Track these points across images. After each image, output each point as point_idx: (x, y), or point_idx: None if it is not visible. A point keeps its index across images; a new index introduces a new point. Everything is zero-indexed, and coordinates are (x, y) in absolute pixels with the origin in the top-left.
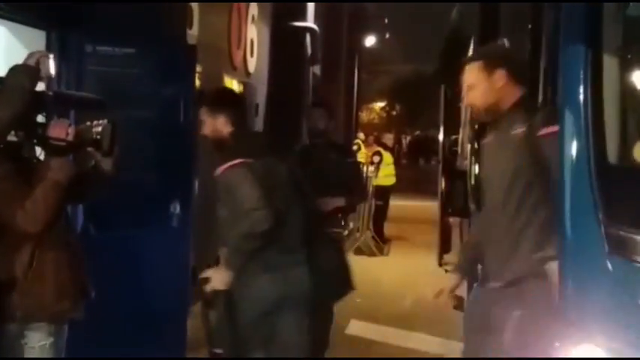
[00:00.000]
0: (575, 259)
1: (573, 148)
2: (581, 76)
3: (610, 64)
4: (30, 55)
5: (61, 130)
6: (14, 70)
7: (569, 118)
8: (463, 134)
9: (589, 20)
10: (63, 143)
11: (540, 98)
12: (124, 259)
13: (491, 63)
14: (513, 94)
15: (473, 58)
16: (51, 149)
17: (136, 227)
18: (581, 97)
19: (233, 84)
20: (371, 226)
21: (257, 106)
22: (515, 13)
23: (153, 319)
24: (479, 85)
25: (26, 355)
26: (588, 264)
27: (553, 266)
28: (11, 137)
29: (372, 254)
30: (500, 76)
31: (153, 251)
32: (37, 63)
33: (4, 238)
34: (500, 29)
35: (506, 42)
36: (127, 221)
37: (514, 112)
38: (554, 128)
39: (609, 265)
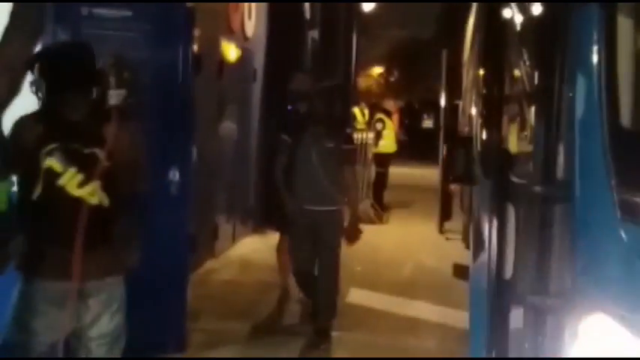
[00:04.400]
0: (587, 227)
1: (585, 112)
2: (595, 38)
3: (624, 25)
4: None
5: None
6: (19, 4)
7: (581, 81)
8: (465, 100)
9: None
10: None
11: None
12: None
13: None
14: None
15: None
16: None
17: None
18: (595, 59)
19: (231, 48)
20: (370, 194)
21: (255, 71)
22: None
23: (152, 287)
24: None
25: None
26: (600, 231)
27: None
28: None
29: (371, 222)
30: None
31: (151, 219)
32: None
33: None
34: None
35: None
36: None
37: None
38: None
39: (622, 233)
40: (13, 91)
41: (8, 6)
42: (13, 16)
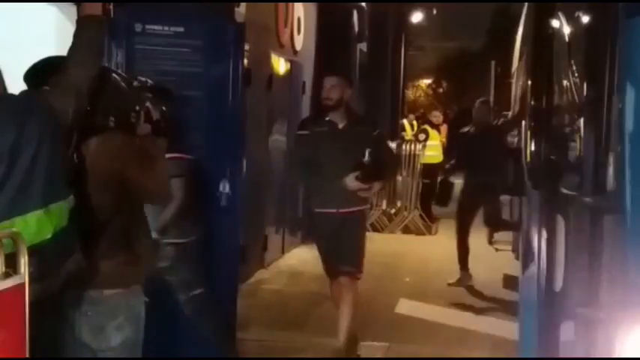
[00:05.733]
0: (638, 238)
1: (635, 122)
2: None
3: None
4: (87, 6)
5: (161, 114)
6: (83, 23)
7: (631, 91)
8: (514, 111)
9: None
10: (163, 124)
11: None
12: None
13: None
14: None
15: None
16: (159, 130)
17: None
18: None
19: (280, 62)
20: (418, 205)
21: (304, 83)
22: None
23: (202, 297)
24: None
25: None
26: None
27: None
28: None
29: (420, 233)
30: None
31: (202, 230)
32: (105, 10)
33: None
34: (555, 5)
35: None
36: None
37: None
38: None
39: None
40: (78, 111)
41: (10, 7)
42: (78, 35)
